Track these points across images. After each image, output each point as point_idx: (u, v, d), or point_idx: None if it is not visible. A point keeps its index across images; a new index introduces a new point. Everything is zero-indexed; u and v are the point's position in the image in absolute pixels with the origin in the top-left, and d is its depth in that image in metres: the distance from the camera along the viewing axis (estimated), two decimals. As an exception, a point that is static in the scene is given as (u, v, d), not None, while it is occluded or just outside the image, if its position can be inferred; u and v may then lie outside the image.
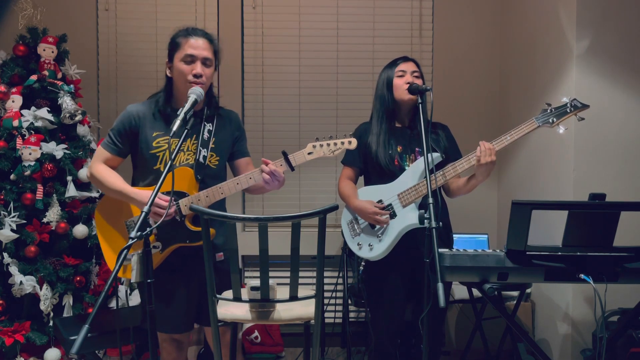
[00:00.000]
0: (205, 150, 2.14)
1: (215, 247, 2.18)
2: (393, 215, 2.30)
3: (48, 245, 2.91)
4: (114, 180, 2.10)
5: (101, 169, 2.13)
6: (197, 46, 2.09)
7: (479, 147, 2.20)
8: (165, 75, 2.17)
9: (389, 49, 3.69)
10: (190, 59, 2.08)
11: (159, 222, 1.78)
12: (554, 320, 2.96)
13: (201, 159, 2.13)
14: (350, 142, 2.10)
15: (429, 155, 2.04)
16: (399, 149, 2.37)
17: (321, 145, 2.09)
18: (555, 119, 2.19)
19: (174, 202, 2.07)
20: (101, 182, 2.12)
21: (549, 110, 2.21)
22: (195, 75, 2.08)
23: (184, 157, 2.13)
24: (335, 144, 2.09)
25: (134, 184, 2.18)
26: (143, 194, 2.05)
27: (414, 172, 2.30)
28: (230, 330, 2.07)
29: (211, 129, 2.18)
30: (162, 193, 2.02)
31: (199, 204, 2.08)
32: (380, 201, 2.33)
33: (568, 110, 2.20)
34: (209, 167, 2.16)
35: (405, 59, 2.42)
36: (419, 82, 2.36)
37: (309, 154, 2.09)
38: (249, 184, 2.11)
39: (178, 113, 1.86)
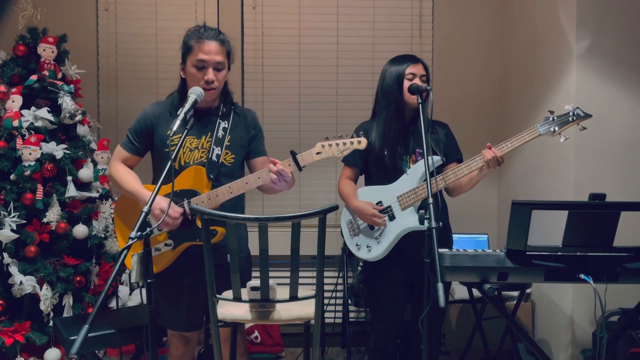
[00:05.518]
0: (219, 148, 2.13)
1: (226, 247, 2.17)
2: (392, 218, 2.29)
3: (48, 245, 2.91)
4: (129, 180, 2.12)
5: (118, 168, 2.16)
6: (208, 51, 2.06)
7: (485, 153, 2.16)
8: (180, 76, 2.16)
9: (389, 49, 3.68)
10: (202, 65, 2.06)
11: (156, 225, 1.82)
12: (554, 320, 2.95)
13: (214, 157, 2.12)
14: (360, 142, 2.04)
15: (429, 158, 2.01)
16: (400, 150, 2.35)
17: (330, 145, 2.03)
18: (557, 128, 2.13)
19: (186, 201, 2.07)
20: (117, 181, 2.15)
21: (551, 119, 2.15)
22: (207, 82, 2.06)
23: (197, 155, 2.13)
24: (344, 143, 2.03)
25: (154, 182, 2.19)
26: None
27: (414, 175, 2.29)
28: (231, 330, 2.07)
29: (226, 126, 2.16)
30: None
31: (209, 202, 2.07)
32: (380, 202, 2.32)
33: (570, 119, 2.13)
34: (223, 164, 2.15)
35: (414, 60, 2.35)
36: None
37: (318, 153, 2.04)
38: (257, 184, 2.09)
39: (178, 113, 1.87)
